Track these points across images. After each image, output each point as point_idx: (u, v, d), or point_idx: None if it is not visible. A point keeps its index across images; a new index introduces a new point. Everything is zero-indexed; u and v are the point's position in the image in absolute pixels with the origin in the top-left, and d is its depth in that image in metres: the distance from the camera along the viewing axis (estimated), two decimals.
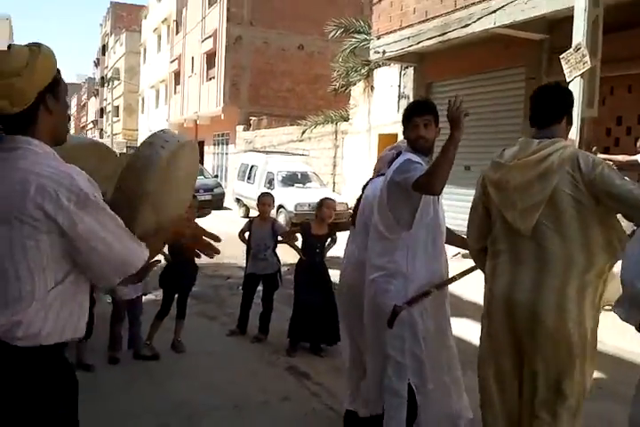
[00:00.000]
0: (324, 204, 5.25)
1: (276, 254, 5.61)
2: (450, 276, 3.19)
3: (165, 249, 5.10)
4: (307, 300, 5.14)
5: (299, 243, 5.45)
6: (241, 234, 5.71)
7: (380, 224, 3.12)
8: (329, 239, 5.31)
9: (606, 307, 6.66)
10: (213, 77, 27.18)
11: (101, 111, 58.67)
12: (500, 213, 2.64)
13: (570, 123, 2.72)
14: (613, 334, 5.57)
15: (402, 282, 3.01)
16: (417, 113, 3.10)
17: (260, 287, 5.71)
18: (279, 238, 5.58)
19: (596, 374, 4.80)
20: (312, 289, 5.16)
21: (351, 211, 3.97)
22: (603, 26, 6.71)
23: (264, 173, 16.07)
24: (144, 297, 5.12)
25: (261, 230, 5.55)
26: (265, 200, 5.67)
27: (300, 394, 4.27)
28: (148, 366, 4.79)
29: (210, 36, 27.10)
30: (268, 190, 15.10)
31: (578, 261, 2.47)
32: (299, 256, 5.37)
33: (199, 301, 6.83)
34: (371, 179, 3.72)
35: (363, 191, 3.69)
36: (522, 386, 2.63)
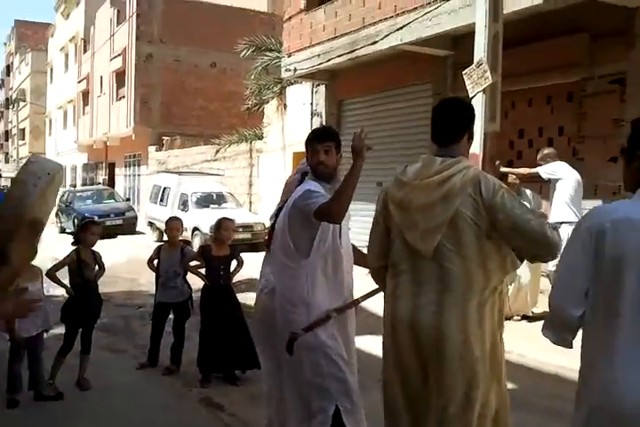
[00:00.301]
0: (222, 225, 5.08)
1: (186, 281, 5.39)
2: (354, 298, 3.20)
3: (67, 282, 4.82)
4: (214, 326, 4.93)
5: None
6: (150, 261, 5.46)
7: (281, 252, 3.20)
8: (234, 261, 5.14)
9: (515, 317, 6.86)
10: (123, 97, 26.59)
11: (6, 134, 56.40)
12: (400, 233, 2.61)
13: (471, 138, 2.71)
14: (524, 345, 5.69)
15: (304, 310, 3.08)
16: (317, 140, 3.18)
17: (171, 316, 5.46)
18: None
19: (510, 386, 4.87)
20: (219, 314, 4.94)
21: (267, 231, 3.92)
22: (502, 41, 6.91)
23: (177, 194, 15.70)
24: (45, 333, 4.76)
25: (170, 257, 5.32)
26: (173, 225, 5.45)
27: None
28: (51, 407, 4.44)
29: (119, 55, 26.50)
30: (182, 212, 14.79)
31: (476, 279, 2.48)
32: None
33: (108, 333, 6.50)
34: (284, 204, 3.68)
35: (276, 215, 3.63)
36: (430, 406, 2.59)
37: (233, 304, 5.01)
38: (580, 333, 2.09)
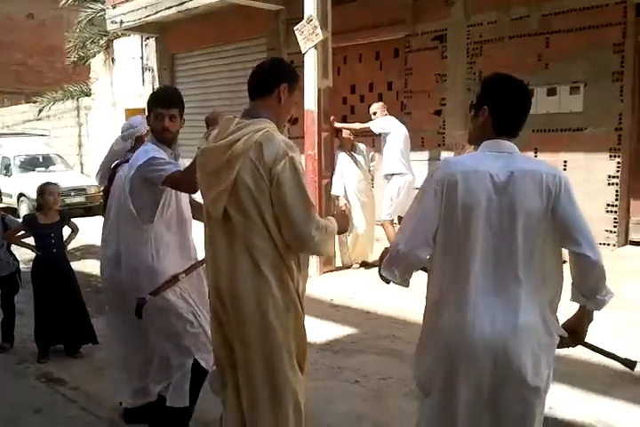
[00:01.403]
0: (46, 190, 4.75)
1: (11, 253, 5.02)
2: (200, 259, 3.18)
3: None
4: (48, 298, 4.68)
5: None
6: None
7: (123, 218, 3.17)
8: (66, 228, 4.88)
9: (354, 265, 7.21)
10: None
11: None
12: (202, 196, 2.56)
13: (291, 94, 2.54)
14: (362, 290, 6.03)
15: (150, 276, 3.07)
16: (162, 105, 3.11)
17: None
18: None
19: (349, 330, 5.18)
20: (53, 286, 4.68)
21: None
22: None
23: None
24: None
25: None
26: None
27: (55, 403, 3.90)
28: None
29: None
30: (5, 177, 13.67)
31: (260, 244, 2.38)
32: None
33: None
34: (117, 164, 3.62)
35: (111, 178, 3.58)
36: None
37: (66, 274, 4.75)
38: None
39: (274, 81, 2.50)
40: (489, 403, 2.08)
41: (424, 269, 2.34)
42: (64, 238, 4.87)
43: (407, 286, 2.27)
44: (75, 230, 4.95)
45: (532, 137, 7.38)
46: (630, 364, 2.33)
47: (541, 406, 2.14)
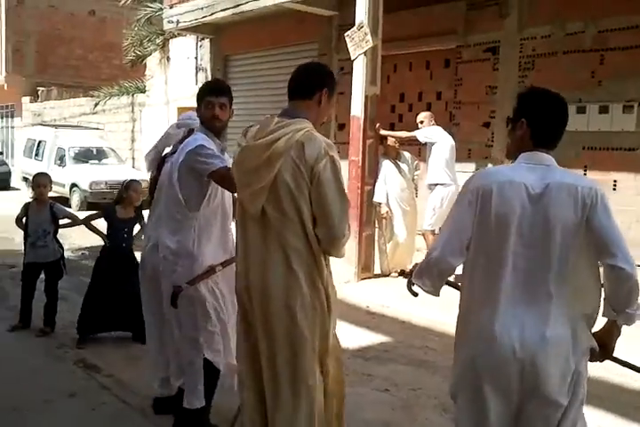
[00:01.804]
0: (131, 186, 4.91)
1: (57, 240, 5.19)
2: None
3: None
4: (105, 287, 4.81)
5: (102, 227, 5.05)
6: (18, 220, 5.19)
7: (170, 204, 3.21)
8: (137, 225, 5.01)
9: (393, 274, 7.20)
10: None
11: None
12: (238, 193, 2.62)
13: (330, 99, 2.61)
14: (398, 299, 6.01)
15: (188, 262, 3.11)
16: (214, 94, 3.20)
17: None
18: (61, 222, 5.17)
19: (382, 339, 5.18)
20: (114, 277, 4.81)
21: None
22: (383, 5, 6.98)
23: (54, 148, 14.86)
24: None
25: (39, 215, 5.08)
26: (40, 181, 5.16)
27: (89, 388, 4.02)
28: None
29: None
30: (59, 168, 14.08)
31: (294, 242, 2.42)
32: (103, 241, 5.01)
33: None
34: (165, 156, 3.65)
35: (159, 169, 3.61)
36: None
37: (130, 269, 4.68)
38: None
39: (316, 84, 2.56)
40: (516, 417, 2.10)
41: (452, 286, 2.39)
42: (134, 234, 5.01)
43: (438, 295, 2.30)
44: (143, 228, 5.02)
45: (583, 154, 7.26)
46: None
47: (570, 421, 2.11)
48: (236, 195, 3.07)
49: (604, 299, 2.12)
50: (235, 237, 2.76)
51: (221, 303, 3.23)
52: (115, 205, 4.98)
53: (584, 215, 2.03)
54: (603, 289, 2.12)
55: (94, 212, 5.21)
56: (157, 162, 3.67)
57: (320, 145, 2.38)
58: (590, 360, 2.16)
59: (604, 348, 2.17)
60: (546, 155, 2.15)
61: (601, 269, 2.11)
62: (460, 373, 2.20)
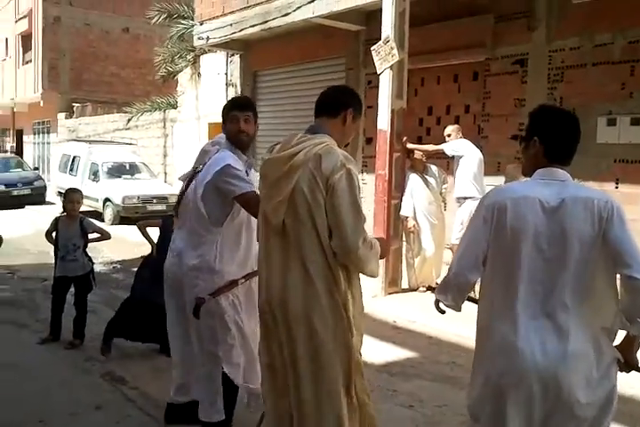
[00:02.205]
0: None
1: (87, 254, 5.27)
2: None
3: None
4: (144, 294, 4.77)
5: (154, 234, 5.01)
6: (48, 234, 5.29)
7: (194, 219, 3.25)
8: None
9: (420, 288, 7.13)
10: (30, 61, 25.20)
11: None
12: (262, 207, 2.65)
13: (355, 120, 2.69)
14: (426, 314, 5.95)
15: (209, 276, 3.16)
16: (238, 108, 3.25)
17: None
18: (91, 236, 5.26)
19: (408, 354, 5.13)
20: (154, 286, 4.82)
21: None
22: (410, 19, 7.00)
23: (88, 163, 15.14)
24: None
25: (69, 229, 5.18)
26: (72, 197, 5.26)
27: (115, 401, 4.06)
28: None
29: (25, 16, 25.05)
30: (93, 182, 14.35)
31: (311, 255, 2.46)
32: (146, 253, 5.03)
33: (11, 307, 6.40)
34: (195, 172, 3.66)
35: (187, 184, 3.62)
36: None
37: None
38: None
39: (342, 104, 2.65)
40: None
41: (472, 301, 2.39)
42: None
43: (459, 310, 2.34)
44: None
45: (614, 167, 7.14)
46: None
47: None
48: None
49: (621, 311, 2.12)
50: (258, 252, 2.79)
51: (243, 317, 3.24)
52: (172, 217, 4.97)
53: (601, 228, 2.06)
54: (621, 300, 2.12)
55: (153, 220, 5.16)
56: (189, 177, 3.70)
57: (337, 158, 2.44)
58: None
59: (626, 360, 2.18)
60: (560, 170, 2.17)
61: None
62: (482, 390, 2.18)
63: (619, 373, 2.20)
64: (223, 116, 3.29)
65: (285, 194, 2.45)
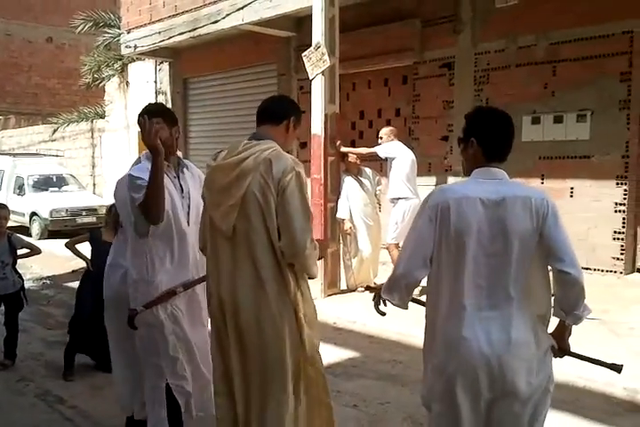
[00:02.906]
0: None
1: (17, 271, 5.06)
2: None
3: None
4: (90, 312, 4.58)
5: (85, 249, 4.88)
6: None
7: (123, 230, 3.28)
8: None
9: (359, 289, 7.19)
10: None
11: None
12: (208, 213, 2.70)
13: (295, 128, 2.79)
14: (365, 314, 6.00)
15: (145, 288, 3.10)
16: (146, 115, 3.08)
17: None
18: (20, 252, 5.05)
19: (350, 354, 5.16)
20: (93, 302, 4.57)
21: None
22: (340, 25, 7.07)
23: (12, 177, 14.53)
24: None
25: None
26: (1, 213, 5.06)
27: (52, 422, 3.91)
28: None
29: None
30: (19, 197, 13.83)
31: (262, 257, 2.55)
32: (81, 267, 4.86)
33: None
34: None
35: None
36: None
37: None
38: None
39: (285, 112, 2.76)
40: (486, 419, 2.21)
41: (417, 302, 2.51)
42: None
43: (406, 308, 2.42)
44: None
45: (539, 164, 7.41)
46: (616, 368, 2.41)
47: (541, 414, 2.26)
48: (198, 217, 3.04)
49: (554, 300, 2.26)
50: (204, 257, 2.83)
51: (184, 328, 3.15)
52: (101, 228, 4.81)
53: (538, 225, 2.18)
54: (554, 292, 2.25)
55: (80, 236, 4.97)
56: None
57: (287, 161, 2.53)
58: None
59: (560, 346, 2.32)
60: (498, 170, 2.28)
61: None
62: (432, 380, 2.29)
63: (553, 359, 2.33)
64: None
65: (237, 199, 2.51)
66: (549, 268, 2.22)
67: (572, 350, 2.36)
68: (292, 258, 2.54)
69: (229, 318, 2.58)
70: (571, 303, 2.20)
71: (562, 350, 2.33)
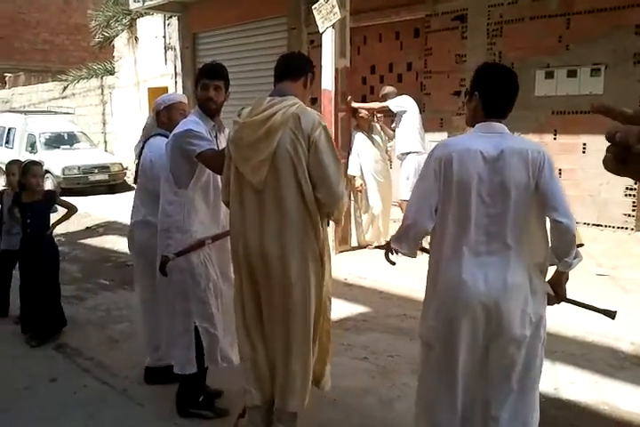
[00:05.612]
0: (30, 172, 4.67)
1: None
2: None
3: None
4: (25, 281, 4.66)
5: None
6: None
7: (161, 183, 3.35)
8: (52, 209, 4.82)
9: (369, 246, 7.23)
10: None
11: None
12: (236, 169, 2.79)
13: (310, 85, 2.93)
14: (376, 270, 6.07)
15: (179, 236, 3.25)
16: (208, 77, 3.28)
17: None
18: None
19: (361, 309, 5.24)
20: (29, 268, 4.64)
21: (126, 171, 3.96)
22: None
23: (24, 135, 14.56)
24: None
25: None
26: (12, 169, 5.11)
27: (70, 372, 4.03)
28: None
29: None
30: (31, 154, 13.87)
31: (290, 206, 2.68)
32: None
33: None
34: (147, 139, 3.78)
35: (141, 150, 3.76)
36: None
37: (41, 257, 4.63)
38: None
39: (303, 68, 2.90)
40: (481, 359, 2.36)
41: (425, 251, 2.65)
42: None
43: (415, 257, 2.61)
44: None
45: (552, 119, 7.31)
46: (610, 314, 2.52)
47: (532, 358, 2.38)
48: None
49: (550, 248, 2.37)
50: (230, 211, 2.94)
51: (214, 275, 3.32)
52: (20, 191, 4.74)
53: (534, 176, 2.28)
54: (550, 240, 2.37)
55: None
56: (140, 149, 3.82)
57: (314, 117, 2.66)
58: (548, 304, 2.44)
59: (556, 293, 2.45)
60: (498, 124, 2.37)
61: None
62: (434, 320, 2.42)
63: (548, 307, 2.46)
64: (195, 82, 3.34)
65: (267, 154, 2.62)
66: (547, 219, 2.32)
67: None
68: (331, 207, 2.71)
69: (258, 264, 2.73)
70: (563, 251, 2.31)
71: (558, 296, 2.45)
